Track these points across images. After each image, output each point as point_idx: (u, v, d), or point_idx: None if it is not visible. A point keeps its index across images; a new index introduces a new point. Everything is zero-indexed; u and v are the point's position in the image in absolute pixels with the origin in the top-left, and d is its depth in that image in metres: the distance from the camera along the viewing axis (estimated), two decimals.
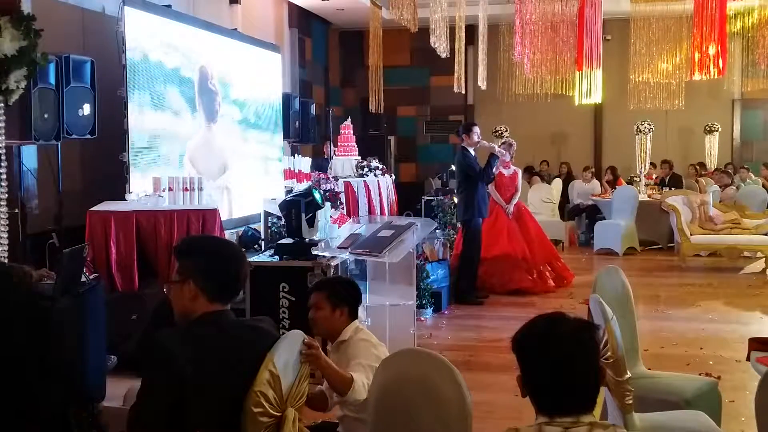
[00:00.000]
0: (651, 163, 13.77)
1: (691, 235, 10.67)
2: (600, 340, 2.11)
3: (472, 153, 8.61)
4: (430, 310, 7.79)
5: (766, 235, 10.49)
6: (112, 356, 4.92)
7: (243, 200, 8.26)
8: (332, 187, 8.27)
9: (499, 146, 9.11)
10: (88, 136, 5.98)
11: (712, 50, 9.34)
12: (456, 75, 12.13)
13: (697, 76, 9.92)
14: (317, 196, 5.91)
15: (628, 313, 4.05)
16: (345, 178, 9.55)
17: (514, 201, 9.27)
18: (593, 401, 2.01)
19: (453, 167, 10.12)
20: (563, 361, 1.95)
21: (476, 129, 8.60)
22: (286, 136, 9.99)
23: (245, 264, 2.66)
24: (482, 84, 12.71)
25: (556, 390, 1.96)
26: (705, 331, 7.13)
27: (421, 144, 16.52)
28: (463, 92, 12.90)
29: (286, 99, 10.06)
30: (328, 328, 3.55)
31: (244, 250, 4.49)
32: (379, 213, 9.66)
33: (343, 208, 8.35)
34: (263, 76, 9.38)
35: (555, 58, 11.71)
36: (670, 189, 12.77)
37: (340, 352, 3.49)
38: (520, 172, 9.62)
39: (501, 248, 8.95)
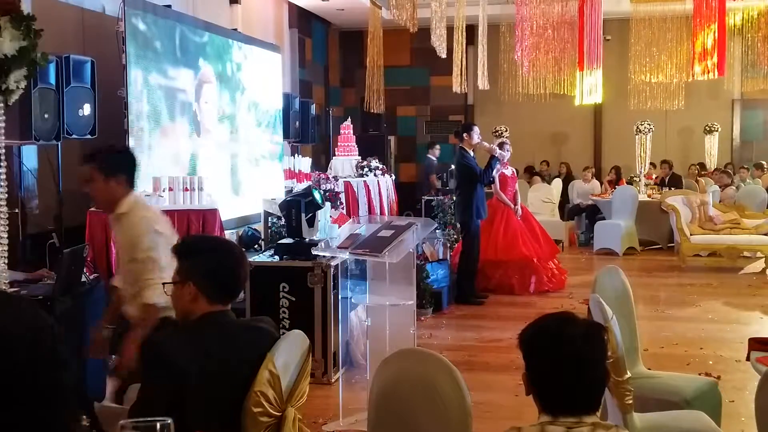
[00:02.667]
0: (651, 163, 13.76)
1: (690, 235, 10.66)
2: (608, 342, 2.10)
3: (471, 154, 8.61)
4: (430, 310, 7.78)
5: (766, 235, 10.48)
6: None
7: (243, 197, 8.26)
8: (332, 187, 8.27)
9: (497, 145, 9.12)
10: (89, 136, 5.97)
11: (711, 53, 9.33)
12: (456, 75, 12.12)
13: (697, 76, 9.92)
14: (317, 196, 5.90)
15: (628, 313, 4.05)
16: (345, 178, 9.54)
17: (519, 200, 9.31)
18: (598, 402, 2.01)
19: (453, 167, 10.12)
20: (573, 362, 1.94)
21: (476, 129, 8.62)
22: (286, 136, 9.99)
23: (245, 264, 2.66)
24: (482, 84, 12.70)
25: (564, 390, 1.95)
26: (705, 331, 7.12)
27: (421, 144, 16.51)
28: (463, 92, 12.89)
29: (286, 99, 10.06)
30: (107, 199, 3.48)
31: (244, 250, 4.49)
32: (379, 213, 9.65)
33: (343, 208, 8.35)
34: (263, 76, 9.38)
35: (555, 58, 11.70)
36: (670, 189, 12.75)
37: (119, 225, 3.45)
38: (515, 172, 9.70)
39: (517, 252, 8.95)
